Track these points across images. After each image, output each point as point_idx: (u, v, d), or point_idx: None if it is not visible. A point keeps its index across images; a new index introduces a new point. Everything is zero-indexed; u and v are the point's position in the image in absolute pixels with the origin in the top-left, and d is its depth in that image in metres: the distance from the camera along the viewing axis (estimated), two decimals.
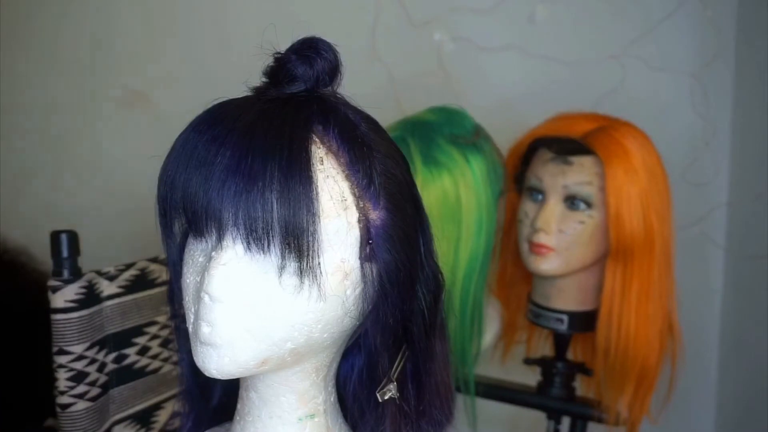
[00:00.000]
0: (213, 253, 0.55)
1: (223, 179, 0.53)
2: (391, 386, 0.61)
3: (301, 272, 0.54)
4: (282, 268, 0.54)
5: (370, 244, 0.57)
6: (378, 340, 0.60)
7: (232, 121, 0.55)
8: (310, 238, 0.53)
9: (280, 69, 0.58)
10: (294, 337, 0.57)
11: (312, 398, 0.64)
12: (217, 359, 0.56)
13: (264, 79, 0.60)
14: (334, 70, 0.59)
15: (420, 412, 0.64)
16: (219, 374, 0.57)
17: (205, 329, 0.55)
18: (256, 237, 0.53)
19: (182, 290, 0.59)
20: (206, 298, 0.55)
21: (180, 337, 0.70)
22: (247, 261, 0.55)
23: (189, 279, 0.58)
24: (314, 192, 0.53)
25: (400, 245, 0.58)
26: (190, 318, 0.58)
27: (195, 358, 0.58)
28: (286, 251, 0.54)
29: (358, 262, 0.57)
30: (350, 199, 0.56)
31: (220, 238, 0.55)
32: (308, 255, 0.54)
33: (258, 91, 0.59)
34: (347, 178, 0.56)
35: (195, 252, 0.58)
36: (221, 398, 0.73)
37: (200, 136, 0.55)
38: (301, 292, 0.55)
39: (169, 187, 0.56)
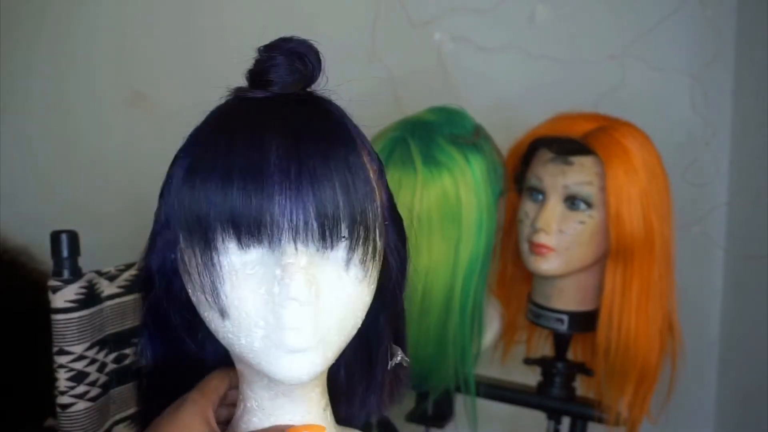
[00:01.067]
0: (287, 260, 0.54)
1: (286, 184, 0.53)
2: (398, 350, 0.65)
3: (364, 260, 0.56)
4: (349, 260, 0.56)
5: (386, 224, 0.61)
6: (389, 309, 0.64)
7: (267, 124, 0.55)
8: (373, 226, 0.56)
9: (269, 69, 0.58)
10: (357, 324, 0.59)
11: (324, 386, 0.65)
12: (309, 364, 0.55)
13: (247, 80, 0.60)
14: (320, 66, 0.60)
15: (405, 373, 0.68)
16: (309, 378, 0.56)
17: (293, 336, 0.54)
18: (327, 235, 0.54)
19: (232, 308, 0.56)
20: (294, 304, 0.54)
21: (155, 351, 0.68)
22: (319, 259, 0.55)
23: (245, 293, 0.55)
24: (370, 181, 0.56)
25: (395, 218, 0.63)
26: (257, 333, 0.56)
27: (277, 368, 0.56)
28: (353, 242, 0.55)
29: (381, 240, 0.60)
30: (376, 185, 0.58)
31: (293, 242, 0.54)
32: (371, 241, 0.56)
33: (249, 92, 0.59)
34: (370, 165, 0.58)
35: (236, 265, 0.55)
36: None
37: (231, 143, 0.54)
38: (365, 279, 0.57)
39: (212, 203, 0.54)
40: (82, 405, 0.87)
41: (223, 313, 0.56)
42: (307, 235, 0.54)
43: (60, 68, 1.62)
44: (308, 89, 0.60)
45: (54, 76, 1.62)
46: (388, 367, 0.64)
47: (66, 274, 0.87)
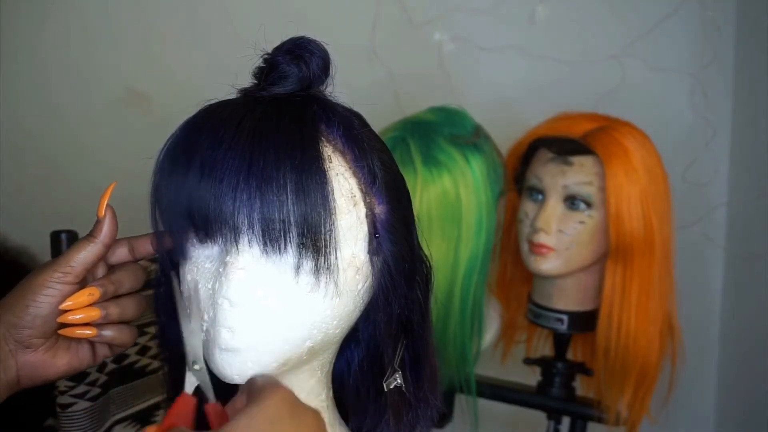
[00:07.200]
0: (228, 258, 0.55)
1: (234, 183, 0.52)
2: (397, 375, 0.63)
3: (317, 270, 0.55)
4: (298, 267, 0.55)
5: (377, 238, 0.58)
6: (384, 330, 0.61)
7: (235, 123, 0.54)
8: (327, 236, 0.54)
9: (274, 69, 0.58)
10: (313, 335, 0.57)
11: (317, 395, 0.64)
12: (240, 364, 0.56)
13: (254, 81, 0.60)
14: (326, 68, 0.59)
15: (419, 398, 0.66)
16: (241, 379, 0.56)
17: (225, 335, 0.55)
18: (272, 238, 0.53)
19: (188, 299, 0.58)
20: (225, 303, 0.54)
21: (168, 342, 0.67)
22: (264, 263, 0.55)
23: (198, 286, 0.57)
24: (329, 190, 0.54)
25: (402, 236, 0.60)
26: (202, 326, 0.57)
27: (213, 365, 0.57)
28: (303, 250, 0.54)
29: (366, 256, 0.58)
30: (358, 195, 0.57)
31: (235, 242, 0.54)
32: (325, 252, 0.54)
33: (249, 92, 0.59)
34: (354, 174, 0.57)
35: (199, 258, 0.57)
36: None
37: (200, 140, 0.55)
38: (317, 290, 0.56)
39: (175, 194, 0.55)
40: (82, 405, 0.87)
41: (186, 301, 0.58)
42: (251, 236, 0.54)
43: (61, 68, 1.62)
44: (313, 90, 0.59)
45: (54, 77, 1.62)
46: (385, 389, 0.63)
47: None
